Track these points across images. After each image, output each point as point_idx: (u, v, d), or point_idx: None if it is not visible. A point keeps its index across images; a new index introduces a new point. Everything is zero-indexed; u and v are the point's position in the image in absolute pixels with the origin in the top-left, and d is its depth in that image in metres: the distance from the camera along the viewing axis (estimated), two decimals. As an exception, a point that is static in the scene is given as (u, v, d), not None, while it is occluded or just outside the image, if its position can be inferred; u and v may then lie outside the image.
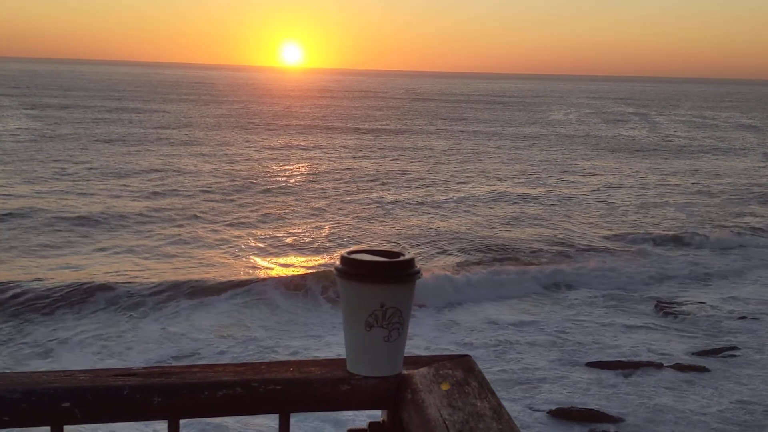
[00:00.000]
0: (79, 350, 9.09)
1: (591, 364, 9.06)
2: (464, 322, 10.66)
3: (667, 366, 9.03)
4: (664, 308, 11.29)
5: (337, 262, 1.44)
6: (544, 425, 7.40)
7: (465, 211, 18.73)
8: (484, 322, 10.65)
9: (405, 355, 1.48)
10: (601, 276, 13.05)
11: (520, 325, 10.53)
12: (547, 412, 7.63)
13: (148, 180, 21.76)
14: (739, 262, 14.28)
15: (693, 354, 9.54)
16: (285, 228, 16.38)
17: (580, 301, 11.76)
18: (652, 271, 13.41)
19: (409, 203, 19.53)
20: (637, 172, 27.16)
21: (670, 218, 18.37)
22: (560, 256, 14.36)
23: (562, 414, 7.60)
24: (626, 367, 8.97)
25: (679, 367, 8.97)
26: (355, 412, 1.50)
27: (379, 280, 1.39)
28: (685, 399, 8.09)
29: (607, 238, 16.16)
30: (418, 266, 1.44)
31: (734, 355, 9.46)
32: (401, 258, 1.43)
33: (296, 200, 19.77)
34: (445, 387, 1.38)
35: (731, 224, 17.89)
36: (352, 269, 1.41)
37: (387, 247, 1.53)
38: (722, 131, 46.64)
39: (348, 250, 1.46)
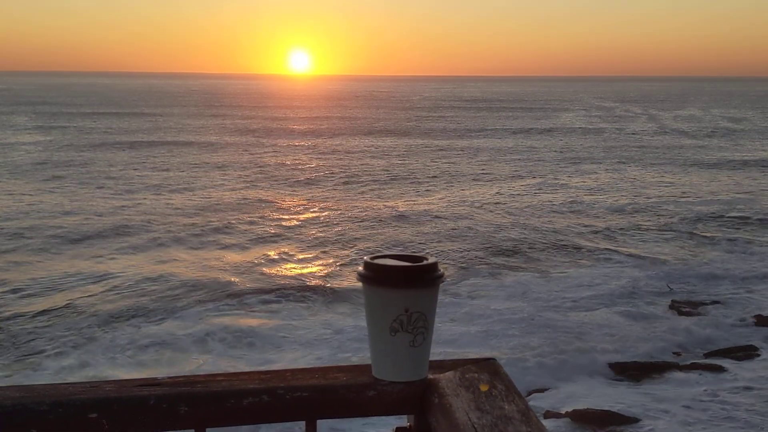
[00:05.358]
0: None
1: (605, 364, 9.01)
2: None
3: (684, 366, 8.97)
4: (680, 308, 11.22)
5: (361, 268, 1.44)
6: (561, 428, 7.36)
7: (483, 217, 18.70)
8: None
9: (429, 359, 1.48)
10: (613, 276, 12.99)
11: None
12: (564, 415, 7.59)
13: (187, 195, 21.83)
14: (757, 264, 14.16)
15: (709, 354, 9.48)
16: (305, 234, 16.38)
17: (593, 302, 11.70)
18: (668, 272, 13.34)
19: (427, 209, 19.51)
20: (654, 177, 27.04)
21: (685, 219, 18.27)
22: (572, 258, 14.33)
23: (578, 416, 7.56)
24: (642, 367, 8.92)
25: (696, 367, 8.91)
26: (381, 418, 1.49)
27: (403, 285, 1.39)
28: (702, 399, 8.03)
29: (620, 239, 16.10)
30: (442, 270, 1.44)
31: (752, 355, 9.39)
32: (425, 262, 1.43)
33: (314, 208, 19.80)
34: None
35: (746, 226, 17.80)
36: (376, 274, 1.40)
37: (410, 251, 1.53)
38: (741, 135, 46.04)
39: (371, 255, 1.46)
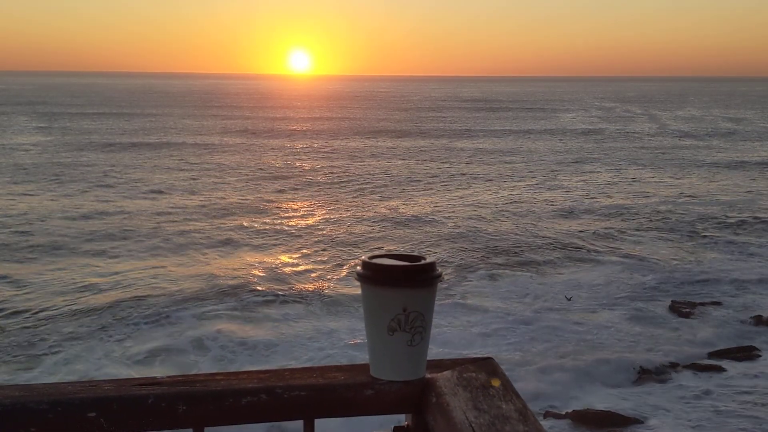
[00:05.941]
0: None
1: (606, 365, 9.01)
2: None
3: (684, 366, 8.97)
4: (680, 309, 11.23)
5: (359, 267, 1.44)
6: (561, 428, 7.36)
7: (483, 218, 18.70)
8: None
9: (427, 358, 1.48)
10: (612, 277, 12.99)
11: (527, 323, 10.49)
12: (564, 415, 7.60)
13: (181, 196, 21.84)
14: (757, 264, 14.15)
15: (710, 354, 9.48)
16: (304, 235, 16.38)
17: (592, 303, 11.69)
18: (667, 272, 13.35)
19: (426, 210, 19.52)
20: (654, 179, 27.03)
21: (685, 220, 18.28)
22: (571, 258, 14.33)
23: (579, 417, 7.56)
24: (642, 368, 8.92)
25: (697, 368, 8.92)
26: (379, 417, 1.49)
27: (401, 284, 1.39)
28: (703, 399, 8.04)
29: (619, 240, 16.10)
30: (440, 269, 1.44)
31: (752, 356, 9.39)
32: (423, 261, 1.43)
33: (313, 209, 19.80)
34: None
35: (745, 227, 17.81)
36: (374, 274, 1.40)
37: (408, 251, 1.53)
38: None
39: (369, 254, 1.46)
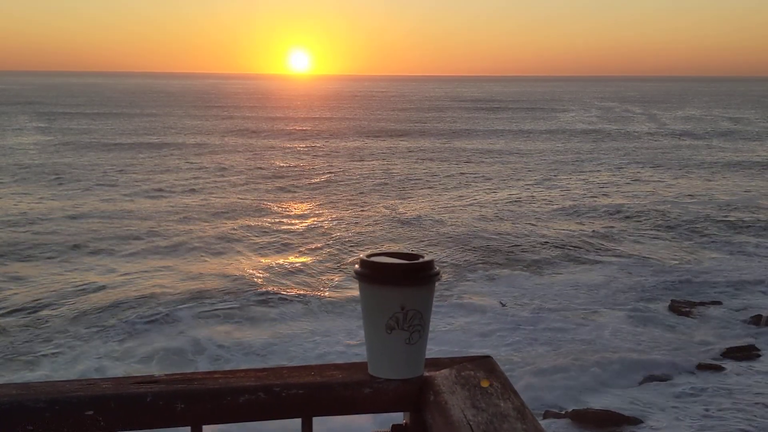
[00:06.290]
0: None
1: (606, 365, 9.01)
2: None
3: (683, 366, 8.97)
4: (680, 308, 11.22)
5: (357, 266, 1.43)
6: (560, 428, 7.36)
7: (484, 217, 18.70)
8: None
9: (425, 357, 1.48)
10: (612, 277, 12.98)
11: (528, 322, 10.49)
12: (564, 415, 7.59)
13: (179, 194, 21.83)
14: (756, 264, 14.15)
15: (710, 354, 9.47)
16: (303, 236, 16.39)
17: (591, 303, 11.69)
18: (666, 272, 13.34)
19: (425, 210, 19.52)
20: (657, 180, 27.03)
21: (685, 220, 18.28)
22: (570, 259, 14.33)
23: (578, 416, 7.56)
24: (641, 368, 8.91)
25: (696, 367, 8.92)
26: (377, 415, 1.49)
27: (399, 283, 1.39)
28: (702, 399, 8.04)
29: (618, 240, 16.10)
30: (438, 268, 1.44)
31: (752, 355, 9.39)
32: (421, 260, 1.42)
33: (312, 210, 19.80)
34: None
35: (745, 227, 17.81)
36: (372, 272, 1.40)
37: (406, 249, 1.52)
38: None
39: (367, 252, 1.46)
